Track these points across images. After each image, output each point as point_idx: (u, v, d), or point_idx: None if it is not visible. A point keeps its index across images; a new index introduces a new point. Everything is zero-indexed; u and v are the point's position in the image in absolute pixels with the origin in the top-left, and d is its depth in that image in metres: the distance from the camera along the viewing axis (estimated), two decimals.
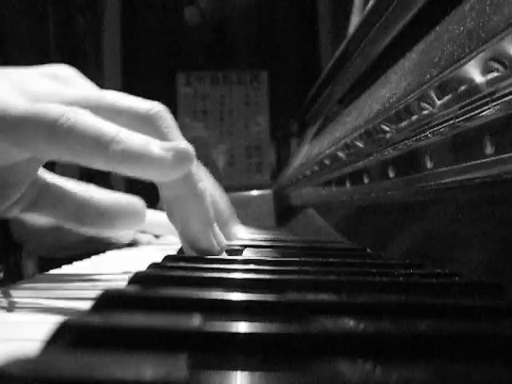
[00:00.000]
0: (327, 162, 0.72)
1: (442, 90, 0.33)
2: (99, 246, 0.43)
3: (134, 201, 0.44)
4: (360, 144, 0.54)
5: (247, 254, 0.44)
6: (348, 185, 0.64)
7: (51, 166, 0.41)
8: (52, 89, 0.35)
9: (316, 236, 0.75)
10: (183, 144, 0.32)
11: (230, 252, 0.41)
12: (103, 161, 0.31)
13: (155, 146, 0.31)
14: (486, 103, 0.29)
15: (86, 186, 0.43)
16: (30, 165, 0.38)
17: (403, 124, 0.41)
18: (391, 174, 0.47)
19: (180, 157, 0.32)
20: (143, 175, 0.32)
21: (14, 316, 0.28)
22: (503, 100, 0.27)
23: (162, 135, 0.34)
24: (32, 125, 0.31)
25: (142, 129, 0.34)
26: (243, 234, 0.66)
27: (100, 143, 0.31)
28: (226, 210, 0.50)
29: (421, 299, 0.22)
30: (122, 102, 0.36)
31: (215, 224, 0.38)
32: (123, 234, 0.44)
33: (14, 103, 0.32)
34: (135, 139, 0.31)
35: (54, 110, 0.31)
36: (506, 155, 0.28)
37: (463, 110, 0.31)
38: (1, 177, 0.36)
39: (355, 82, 0.81)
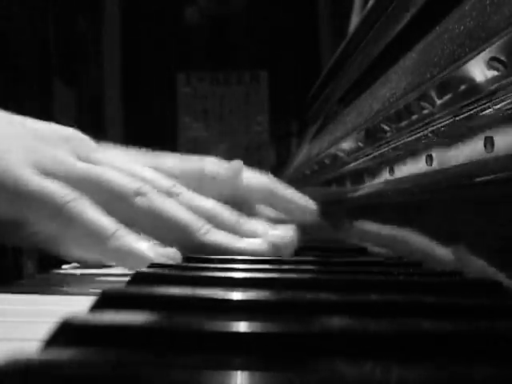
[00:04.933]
0: (327, 161, 0.72)
1: (442, 90, 0.33)
2: None
3: None
4: (360, 144, 0.54)
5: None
6: (348, 184, 0.64)
7: None
8: (63, 162, 0.37)
9: (316, 236, 0.74)
10: (172, 250, 0.36)
11: None
12: (99, 252, 0.35)
13: (149, 250, 0.34)
14: (487, 103, 0.29)
15: None
16: None
17: (403, 123, 0.41)
18: (391, 174, 0.47)
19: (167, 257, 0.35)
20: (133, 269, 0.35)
21: (14, 315, 0.28)
22: (503, 100, 0.27)
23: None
24: (37, 204, 0.34)
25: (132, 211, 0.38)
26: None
27: (99, 237, 0.34)
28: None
29: (421, 298, 0.22)
30: (114, 181, 0.38)
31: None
32: None
33: (23, 174, 0.35)
34: (131, 239, 0.35)
35: (60, 194, 0.35)
36: (506, 155, 0.28)
37: (463, 110, 0.31)
38: None
39: (355, 82, 0.81)
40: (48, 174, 0.36)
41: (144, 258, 0.34)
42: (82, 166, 0.38)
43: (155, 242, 0.37)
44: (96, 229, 0.34)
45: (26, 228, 0.38)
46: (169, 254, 0.35)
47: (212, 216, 0.39)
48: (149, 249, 0.34)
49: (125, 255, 0.34)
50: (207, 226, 0.38)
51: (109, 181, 0.37)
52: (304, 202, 0.51)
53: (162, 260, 0.34)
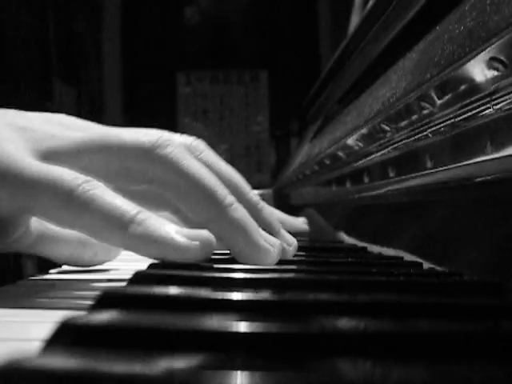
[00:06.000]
0: (327, 161, 0.72)
1: (442, 90, 0.33)
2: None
3: None
4: (360, 143, 0.54)
5: None
6: (348, 184, 0.64)
7: None
8: (61, 133, 0.34)
9: (316, 236, 0.75)
10: (205, 233, 0.31)
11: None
12: (119, 239, 0.30)
13: (178, 234, 0.30)
14: (486, 103, 0.29)
15: None
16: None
17: (403, 123, 0.41)
18: (391, 174, 0.47)
19: (204, 245, 0.31)
20: (159, 257, 0.31)
21: (14, 316, 0.28)
22: (503, 99, 0.27)
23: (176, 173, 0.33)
24: (46, 191, 0.30)
25: (152, 167, 0.34)
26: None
27: (119, 222, 0.30)
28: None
29: (421, 299, 0.22)
30: (126, 136, 0.35)
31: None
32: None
33: (26, 162, 0.31)
34: (155, 222, 0.30)
35: (69, 177, 0.30)
36: (506, 155, 0.28)
37: (463, 110, 0.31)
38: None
39: (355, 82, 0.81)
40: (50, 154, 0.33)
41: (174, 244, 0.30)
42: (81, 135, 0.34)
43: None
44: (114, 212, 0.30)
45: (16, 229, 0.35)
46: (202, 236, 0.30)
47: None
48: (177, 232, 0.30)
49: (149, 241, 0.30)
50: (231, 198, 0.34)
51: (121, 144, 0.34)
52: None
53: (195, 245, 0.30)
